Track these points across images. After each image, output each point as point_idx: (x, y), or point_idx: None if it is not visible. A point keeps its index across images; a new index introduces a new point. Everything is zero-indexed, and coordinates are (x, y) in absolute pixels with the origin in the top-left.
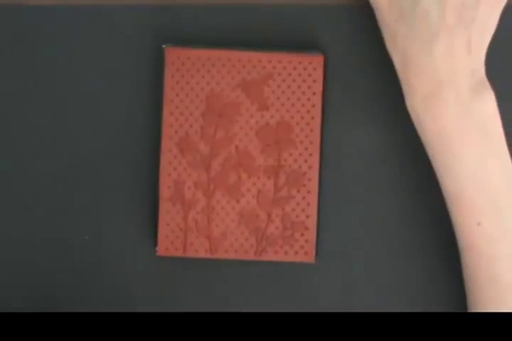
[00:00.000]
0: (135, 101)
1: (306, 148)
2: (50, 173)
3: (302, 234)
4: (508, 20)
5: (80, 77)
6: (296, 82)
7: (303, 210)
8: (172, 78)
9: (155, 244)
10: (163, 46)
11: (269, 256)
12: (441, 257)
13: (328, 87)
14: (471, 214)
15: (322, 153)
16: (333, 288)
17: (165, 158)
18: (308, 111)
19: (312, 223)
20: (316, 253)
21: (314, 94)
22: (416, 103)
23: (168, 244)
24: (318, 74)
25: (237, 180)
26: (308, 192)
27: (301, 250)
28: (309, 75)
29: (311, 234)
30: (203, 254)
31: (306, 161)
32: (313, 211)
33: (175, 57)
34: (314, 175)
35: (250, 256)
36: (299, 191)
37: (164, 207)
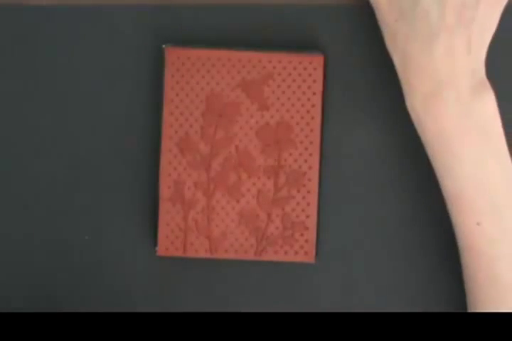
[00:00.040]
0: (135, 101)
1: (306, 148)
2: (50, 173)
3: (302, 234)
4: (509, 20)
5: (80, 77)
6: (296, 82)
7: (303, 210)
8: (172, 78)
9: (155, 244)
10: (163, 46)
11: (269, 256)
12: (441, 257)
13: (328, 87)
14: (470, 214)
15: (322, 153)
16: (333, 288)
17: (165, 158)
18: (308, 111)
19: (312, 223)
20: (316, 253)
21: (314, 94)
22: (416, 103)
23: (168, 244)
24: (318, 74)
25: (237, 180)
26: (308, 192)
27: (301, 250)
28: (309, 75)
29: (311, 234)
30: (203, 254)
31: (306, 161)
32: (313, 211)
33: (175, 57)
34: (314, 175)
35: (250, 256)
36: (299, 191)
37: (164, 207)
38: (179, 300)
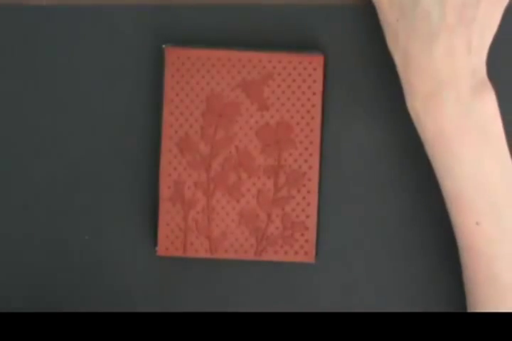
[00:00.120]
0: (135, 101)
1: (306, 148)
2: (50, 173)
3: (302, 234)
4: (510, 20)
5: (80, 77)
6: (296, 82)
7: (303, 210)
8: (172, 78)
9: (155, 244)
10: (163, 46)
11: (269, 256)
12: (441, 257)
13: (328, 87)
14: (470, 214)
15: (322, 153)
16: (333, 288)
17: (165, 158)
18: (308, 111)
19: (312, 223)
20: (316, 253)
21: (314, 94)
22: (416, 103)
23: (168, 244)
24: (318, 74)
25: (237, 180)
26: (308, 192)
27: (301, 250)
28: (309, 75)
29: (311, 234)
30: (203, 254)
31: (306, 161)
32: (313, 211)
33: (175, 57)
34: (314, 175)
35: (250, 256)
36: (299, 191)
37: (164, 207)
38: (179, 300)
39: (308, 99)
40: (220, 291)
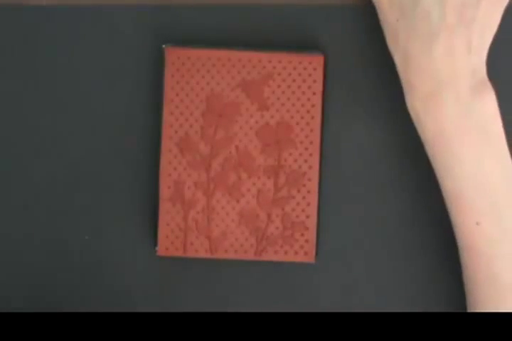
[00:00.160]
0: (135, 101)
1: (306, 148)
2: (50, 173)
3: (302, 234)
4: (510, 20)
5: (80, 77)
6: (296, 82)
7: (303, 210)
8: (172, 78)
9: (155, 244)
10: (163, 46)
11: (269, 256)
12: (441, 257)
13: (328, 87)
14: (470, 214)
15: (322, 153)
16: (333, 288)
17: (165, 158)
18: (308, 111)
19: (312, 223)
20: (316, 253)
21: (314, 94)
22: (416, 103)
23: (168, 244)
24: (318, 74)
25: (237, 180)
26: (308, 192)
27: (301, 250)
28: (309, 75)
29: (311, 234)
30: (203, 254)
31: (306, 161)
32: (313, 211)
33: (175, 57)
34: (314, 175)
35: (250, 256)
36: (299, 191)
37: (164, 207)
38: (179, 300)
39: (308, 99)
40: (220, 291)
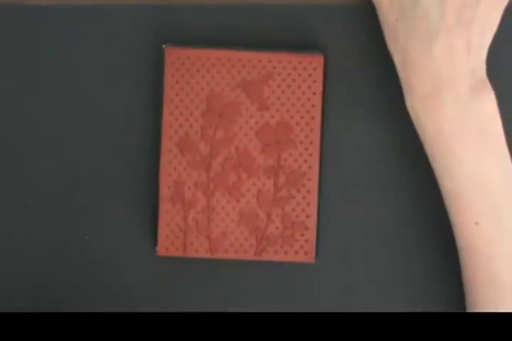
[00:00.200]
0: (135, 101)
1: (306, 148)
2: (50, 173)
3: (302, 234)
4: (510, 20)
5: (80, 77)
6: (296, 82)
7: (303, 210)
8: (172, 78)
9: (155, 244)
10: (163, 46)
11: (269, 256)
12: (441, 257)
13: (328, 87)
14: (469, 214)
15: (322, 153)
16: (333, 288)
17: (165, 158)
18: (308, 111)
19: (312, 223)
20: (316, 253)
21: (314, 94)
22: (415, 103)
23: (168, 244)
24: (318, 74)
25: (237, 180)
26: (308, 192)
27: (301, 250)
28: (309, 75)
29: (311, 234)
30: (203, 254)
31: (306, 161)
32: (313, 211)
33: (175, 57)
34: (314, 175)
35: (250, 256)
36: (299, 191)
37: (164, 207)
38: (179, 300)
39: (308, 99)
40: (220, 291)
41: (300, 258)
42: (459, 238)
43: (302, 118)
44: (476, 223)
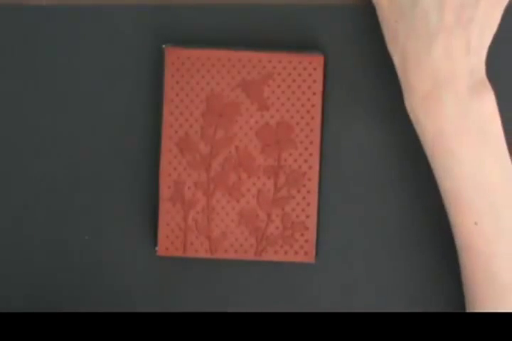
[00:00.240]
0: (135, 101)
1: (306, 148)
2: (50, 173)
3: (302, 234)
4: (510, 20)
5: (80, 77)
6: (296, 82)
7: (303, 210)
8: (172, 78)
9: (155, 244)
10: (163, 46)
11: (269, 256)
12: (440, 257)
13: (328, 87)
14: (469, 214)
15: (322, 153)
16: (333, 288)
17: (165, 158)
18: (308, 111)
19: (312, 223)
20: (316, 253)
21: (314, 94)
22: (415, 103)
23: (168, 244)
24: (318, 74)
25: (237, 180)
26: (308, 192)
27: (301, 250)
28: (309, 75)
29: (311, 234)
30: (203, 254)
31: (306, 161)
32: (313, 211)
33: (175, 57)
34: (314, 175)
35: (250, 256)
36: (299, 191)
37: (164, 207)
38: (179, 300)
39: (308, 99)
40: (220, 291)
41: (300, 258)
42: (459, 238)
43: (302, 118)
44: (476, 223)
